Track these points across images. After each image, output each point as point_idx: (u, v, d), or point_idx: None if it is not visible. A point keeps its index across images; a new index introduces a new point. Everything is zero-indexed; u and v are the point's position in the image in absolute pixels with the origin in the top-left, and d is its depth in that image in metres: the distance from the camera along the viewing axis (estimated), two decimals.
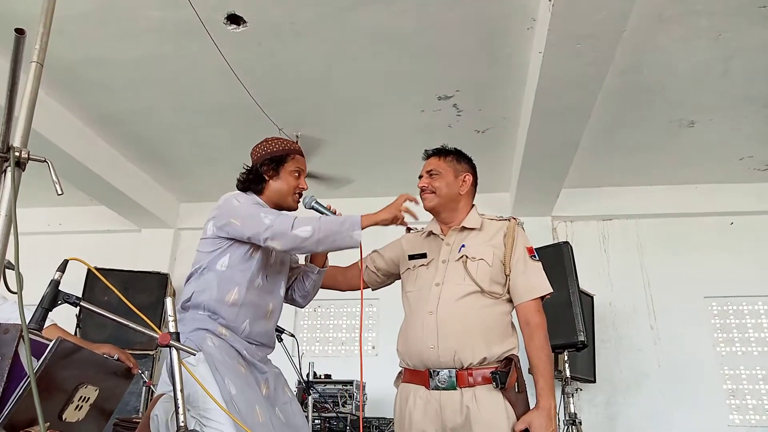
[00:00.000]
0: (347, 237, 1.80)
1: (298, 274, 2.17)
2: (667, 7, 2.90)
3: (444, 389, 1.87)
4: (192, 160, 4.72)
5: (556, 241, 4.42)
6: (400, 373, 2.12)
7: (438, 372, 1.89)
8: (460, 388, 1.86)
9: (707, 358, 4.60)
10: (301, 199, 2.07)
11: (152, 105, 3.92)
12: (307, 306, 2.28)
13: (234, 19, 3.04)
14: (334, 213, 1.99)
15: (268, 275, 1.98)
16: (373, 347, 5.08)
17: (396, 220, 1.88)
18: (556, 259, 3.58)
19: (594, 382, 4.31)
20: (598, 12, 2.58)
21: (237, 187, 2.06)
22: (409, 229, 2.32)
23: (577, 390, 4.47)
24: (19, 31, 1.00)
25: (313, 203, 2.04)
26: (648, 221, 5.03)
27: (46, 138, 3.72)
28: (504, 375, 1.83)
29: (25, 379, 1.02)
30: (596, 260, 4.96)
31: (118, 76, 3.58)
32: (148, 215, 5.14)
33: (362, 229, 1.82)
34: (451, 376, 1.87)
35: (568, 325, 3.45)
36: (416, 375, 1.96)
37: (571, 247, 3.72)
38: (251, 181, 2.03)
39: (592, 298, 4.31)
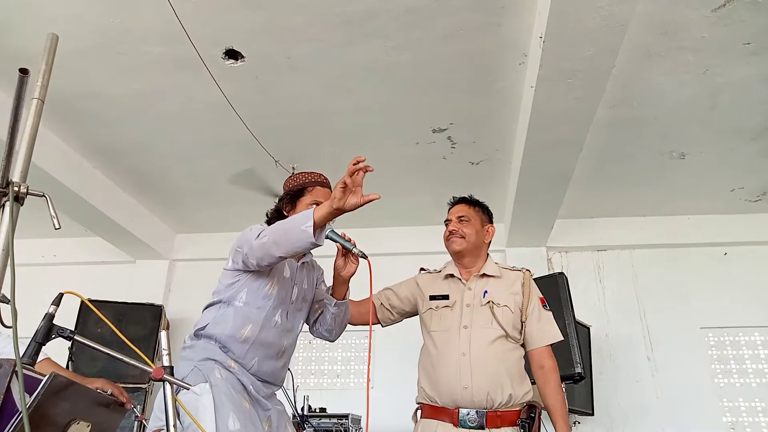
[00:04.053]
0: (298, 231, 1.66)
1: (321, 308, 2.14)
2: (654, 44, 2.97)
3: (472, 428, 1.97)
4: (188, 191, 4.74)
5: (551, 272, 4.43)
6: (417, 408, 2.19)
7: (468, 411, 1.98)
8: (489, 428, 1.96)
9: (705, 390, 4.56)
10: None
11: (150, 138, 3.95)
12: (301, 338, 2.27)
13: (232, 54, 3.10)
14: (349, 241, 1.94)
15: (288, 312, 1.99)
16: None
17: (347, 186, 1.66)
18: (552, 290, 3.57)
19: (592, 414, 4.25)
20: (588, 48, 2.65)
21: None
22: (422, 269, 2.38)
23: (575, 423, 4.42)
24: (23, 71, 1.03)
25: (328, 232, 1.96)
26: (642, 252, 5.05)
27: (43, 170, 3.73)
28: (531, 423, 1.99)
29: (17, 416, 1.01)
30: (592, 291, 4.95)
31: (116, 109, 3.61)
32: (143, 246, 5.12)
33: (318, 218, 1.64)
34: (480, 417, 1.97)
35: (565, 356, 3.42)
36: (444, 412, 2.03)
37: (566, 277, 3.73)
38: (273, 216, 2.11)
39: (588, 329, 4.29)
